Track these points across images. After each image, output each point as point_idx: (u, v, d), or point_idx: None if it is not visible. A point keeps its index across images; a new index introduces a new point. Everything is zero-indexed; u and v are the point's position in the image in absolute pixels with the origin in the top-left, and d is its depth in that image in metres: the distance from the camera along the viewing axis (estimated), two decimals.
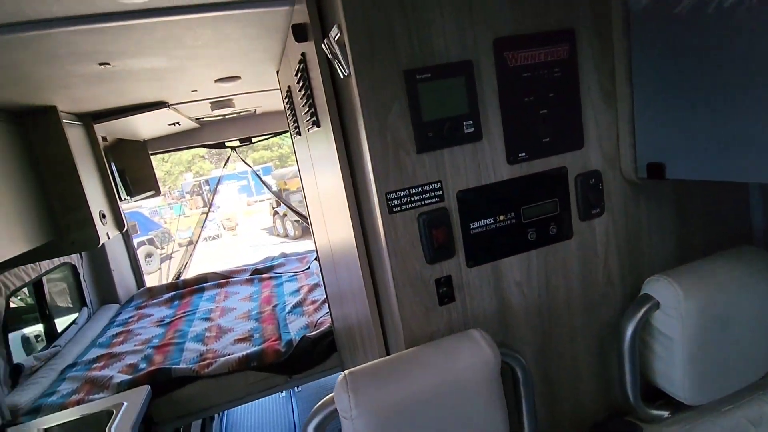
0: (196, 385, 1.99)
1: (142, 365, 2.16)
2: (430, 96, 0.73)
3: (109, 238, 1.93)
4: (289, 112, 1.63)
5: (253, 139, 3.58)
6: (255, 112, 3.12)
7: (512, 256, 0.82)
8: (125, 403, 1.76)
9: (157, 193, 3.28)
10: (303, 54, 1.06)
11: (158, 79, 1.61)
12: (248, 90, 2.18)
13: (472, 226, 0.78)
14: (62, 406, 1.88)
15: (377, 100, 0.72)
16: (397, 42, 0.72)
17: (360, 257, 0.97)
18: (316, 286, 2.88)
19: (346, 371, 0.69)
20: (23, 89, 1.43)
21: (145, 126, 2.71)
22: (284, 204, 6.42)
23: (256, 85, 2.08)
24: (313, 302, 2.61)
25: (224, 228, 14.69)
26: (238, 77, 1.83)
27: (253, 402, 3.24)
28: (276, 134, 3.52)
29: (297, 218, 10.95)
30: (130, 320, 2.86)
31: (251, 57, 1.58)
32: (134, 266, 3.64)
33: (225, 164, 4.00)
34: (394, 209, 0.75)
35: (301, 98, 1.17)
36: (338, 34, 0.72)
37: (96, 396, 1.94)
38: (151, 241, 10.19)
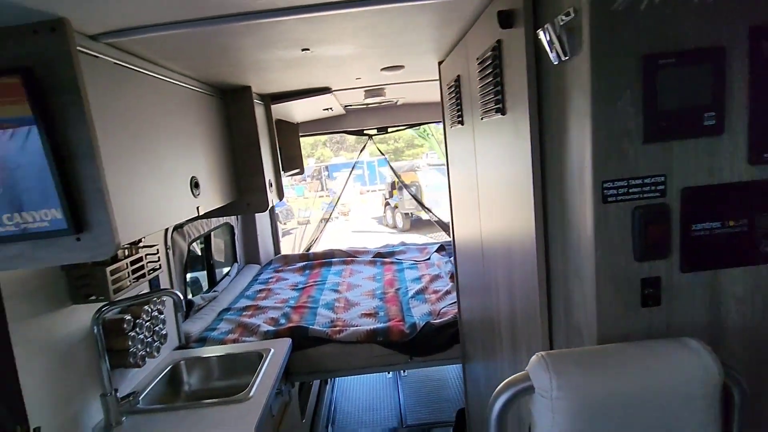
0: (327, 347, 2.18)
1: (282, 321, 2.43)
2: (671, 83, 0.68)
3: (274, 204, 2.20)
4: (452, 101, 1.66)
5: (390, 129, 3.74)
6: (396, 102, 3.25)
7: (737, 268, 0.73)
8: (272, 350, 2.00)
9: (301, 171, 3.63)
10: (498, 41, 1.07)
11: (337, 65, 1.78)
12: (405, 80, 2.28)
13: (694, 228, 0.72)
14: (222, 342, 2.22)
15: (608, 85, 0.70)
16: (641, 24, 0.68)
17: (538, 248, 0.96)
18: (437, 277, 2.92)
19: (543, 353, 0.69)
20: (232, 70, 1.70)
21: (302, 109, 3.01)
22: (411, 195, 6.57)
23: (415, 75, 2.16)
24: (435, 292, 2.66)
25: (338, 212, 15.69)
26: (402, 66, 1.92)
27: (363, 376, 3.44)
28: (413, 125, 3.63)
29: (407, 211, 11.24)
30: (269, 280, 3.24)
31: (420, 47, 1.65)
32: (274, 234, 4.11)
33: (361, 151, 4.26)
34: (609, 199, 0.72)
35: (485, 86, 1.19)
36: (571, 17, 0.72)
37: (247, 339, 2.24)
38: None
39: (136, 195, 1.14)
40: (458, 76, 1.55)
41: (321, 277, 3.19)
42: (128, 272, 1.62)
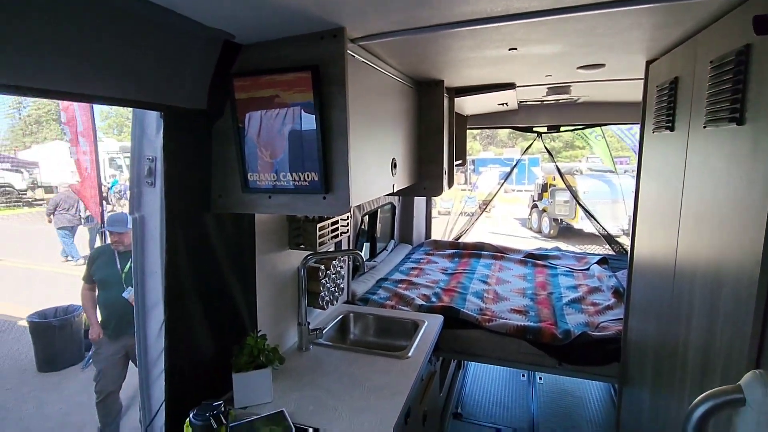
0: (476, 332, 2.29)
1: (433, 299, 2.62)
2: None
3: (446, 190, 2.37)
4: (662, 104, 1.55)
5: (562, 128, 3.58)
6: (576, 100, 3.09)
7: None
8: (426, 322, 2.19)
9: (463, 163, 3.75)
10: (747, 45, 0.98)
11: (535, 63, 1.81)
12: (598, 78, 2.17)
13: None
14: (382, 305, 2.52)
15: None
16: None
17: (761, 278, 0.88)
18: (596, 289, 2.75)
19: (758, 370, 0.67)
20: (434, 66, 1.87)
21: (475, 103, 3.09)
22: (576, 200, 6.14)
23: (613, 74, 2.05)
24: (594, 304, 2.51)
25: (480, 208, 15.46)
26: (602, 65, 1.85)
27: (497, 370, 3.46)
28: (593, 125, 3.40)
29: (557, 217, 10.47)
30: (421, 261, 3.48)
31: (631, 46, 1.57)
32: (427, 219, 4.35)
33: (527, 149, 4.17)
34: None
35: (718, 92, 1.10)
36: None
37: (403, 308, 2.49)
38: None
39: (362, 168, 1.40)
40: (676, 77, 1.44)
41: (470, 267, 3.29)
42: (329, 231, 1.97)
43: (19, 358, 4.43)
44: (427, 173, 2.25)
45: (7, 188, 15.72)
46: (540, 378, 3.39)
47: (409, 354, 1.86)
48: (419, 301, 2.52)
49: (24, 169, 16.80)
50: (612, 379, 2.04)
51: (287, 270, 1.93)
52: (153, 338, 1.46)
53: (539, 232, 11.16)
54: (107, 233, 3.00)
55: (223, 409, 1.07)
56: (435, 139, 2.21)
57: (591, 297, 2.62)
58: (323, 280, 2.03)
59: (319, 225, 1.86)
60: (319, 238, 1.88)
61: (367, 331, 2.33)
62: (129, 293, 2.80)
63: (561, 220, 10.53)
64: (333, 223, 2.01)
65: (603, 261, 3.33)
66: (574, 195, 6.53)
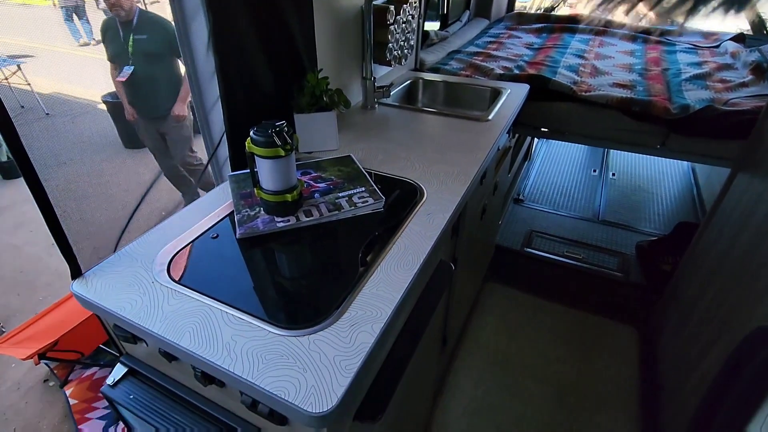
0: (566, 104, 1.95)
1: (516, 71, 2.22)
2: None
3: None
4: None
5: None
6: None
7: None
8: (509, 90, 1.87)
9: None
10: None
11: None
12: None
13: None
14: (454, 74, 2.18)
15: None
16: None
17: None
18: (727, 66, 2.18)
19: None
20: None
21: None
22: None
23: None
24: (723, 81, 2.01)
25: None
26: None
27: (568, 166, 3.25)
28: None
29: None
30: (500, 36, 2.91)
31: None
32: None
33: None
34: None
35: None
36: None
37: (480, 77, 2.14)
38: None
39: None
40: None
41: (562, 42, 2.71)
42: None
43: (108, 136, 4.79)
44: None
45: None
46: (613, 174, 3.16)
47: (489, 117, 1.61)
48: (500, 71, 2.14)
49: None
50: (723, 161, 1.74)
51: (350, 8, 1.58)
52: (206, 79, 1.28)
53: None
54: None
55: (286, 128, 0.91)
56: None
57: (720, 74, 2.10)
58: (392, 27, 1.67)
59: None
60: None
61: (437, 98, 2.07)
62: (125, 73, 2.45)
63: None
64: None
65: (739, 38, 2.60)
66: None
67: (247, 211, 1.02)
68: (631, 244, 2.41)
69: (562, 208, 2.78)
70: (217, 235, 0.98)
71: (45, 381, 2.06)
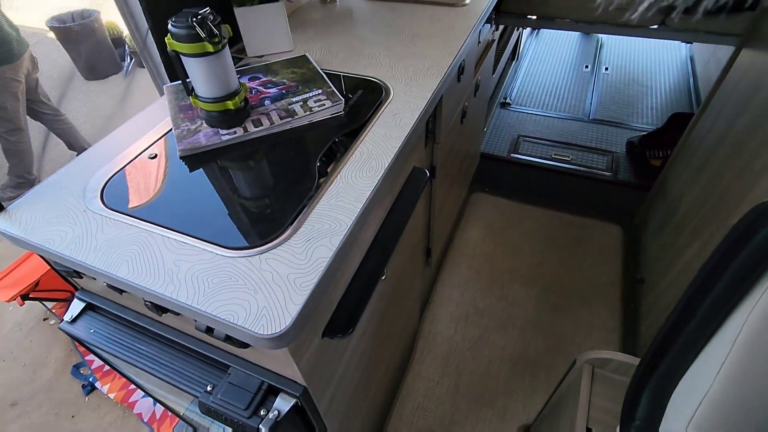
0: None
1: None
2: None
3: None
4: None
5: None
6: None
7: None
8: None
9: None
10: None
11: None
12: None
13: None
14: None
15: None
16: None
17: None
18: None
19: None
20: None
21: None
22: None
23: None
24: None
25: None
26: None
27: (557, 64, 3.02)
28: None
29: None
30: None
31: None
32: None
33: None
34: None
35: None
36: None
37: None
38: None
39: None
40: None
41: None
42: None
43: (64, 68, 4.35)
44: None
45: None
46: (606, 68, 2.96)
47: (467, 1, 1.41)
48: None
49: None
50: (730, 38, 1.57)
51: None
52: None
53: None
54: None
55: (211, 16, 0.75)
56: None
57: None
58: None
59: None
60: None
61: None
62: None
63: None
64: None
65: None
66: None
67: (187, 125, 0.89)
68: (622, 143, 2.32)
69: (551, 109, 2.62)
70: (156, 155, 0.87)
71: (45, 320, 2.07)
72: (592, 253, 2.01)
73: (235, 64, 1.13)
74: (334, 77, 1.05)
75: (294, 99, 0.95)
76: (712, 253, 0.53)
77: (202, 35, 0.73)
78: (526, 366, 1.65)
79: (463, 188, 2.12)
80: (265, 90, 0.98)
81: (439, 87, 1.03)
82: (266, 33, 1.14)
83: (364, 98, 0.98)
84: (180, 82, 0.99)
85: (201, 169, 0.83)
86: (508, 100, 2.68)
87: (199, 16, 0.73)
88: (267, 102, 0.95)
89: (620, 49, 3.16)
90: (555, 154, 2.28)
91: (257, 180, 0.80)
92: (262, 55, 1.18)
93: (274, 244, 0.67)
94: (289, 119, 0.89)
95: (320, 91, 0.97)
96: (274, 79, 1.02)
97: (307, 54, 1.12)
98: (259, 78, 1.03)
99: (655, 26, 1.66)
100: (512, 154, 2.30)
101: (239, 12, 1.09)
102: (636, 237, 2.01)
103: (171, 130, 0.91)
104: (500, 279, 1.95)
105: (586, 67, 2.98)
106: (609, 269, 1.94)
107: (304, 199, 0.74)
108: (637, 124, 2.46)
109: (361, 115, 0.93)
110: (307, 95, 0.96)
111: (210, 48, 0.75)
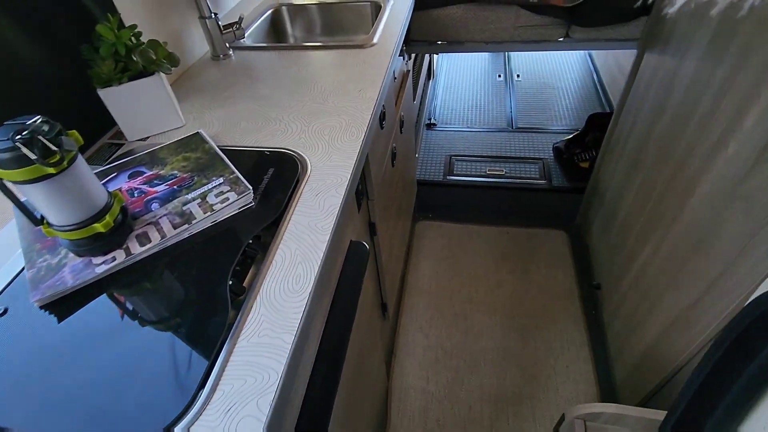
0: (457, 9, 1.68)
1: None
2: None
3: None
4: None
5: None
6: None
7: None
8: (391, 1, 1.55)
9: None
10: None
11: None
12: None
13: None
14: None
15: None
16: None
17: None
18: None
19: None
20: None
21: None
22: None
23: None
24: None
25: None
26: None
27: (470, 76, 3.05)
28: None
29: None
30: None
31: None
32: None
33: None
34: None
35: None
36: None
37: None
38: None
39: None
40: None
41: None
42: None
43: None
44: None
45: None
46: (518, 75, 3.04)
47: (375, 40, 1.31)
48: None
49: None
50: (632, 43, 1.62)
51: None
52: None
53: None
54: None
55: (45, 127, 0.56)
56: None
57: None
58: None
59: None
60: None
61: (313, 27, 1.69)
62: None
63: None
64: None
65: None
66: None
67: (46, 260, 0.68)
68: (548, 148, 2.35)
69: (475, 124, 2.62)
70: (6, 310, 0.64)
71: None
72: (545, 263, 1.98)
73: (111, 155, 0.93)
74: (238, 155, 0.88)
75: (189, 196, 0.77)
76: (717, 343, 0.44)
77: (33, 157, 0.53)
78: (507, 404, 1.56)
79: (407, 220, 2.02)
80: (151, 189, 0.79)
81: (362, 147, 0.90)
82: (146, 111, 0.95)
83: (277, 178, 0.82)
84: None
85: (74, 318, 0.62)
86: (433, 121, 2.64)
87: (25, 132, 0.54)
88: (155, 206, 0.76)
89: (527, 56, 3.28)
90: (489, 170, 2.25)
91: (150, 329, 0.61)
92: (146, 137, 0.98)
93: (178, 430, 0.48)
94: (186, 226, 0.71)
95: (221, 179, 0.80)
96: (161, 172, 0.83)
97: (200, 131, 0.94)
98: (143, 173, 0.83)
99: (561, 39, 1.68)
100: (448, 177, 2.25)
101: (105, 94, 0.89)
102: (581, 239, 2.01)
103: (24, 269, 0.69)
104: (462, 311, 1.85)
105: (499, 76, 3.04)
106: (563, 277, 1.92)
107: (215, 346, 0.56)
108: (558, 126, 2.52)
109: (276, 202, 0.77)
110: (206, 188, 0.78)
111: (49, 170, 0.56)
